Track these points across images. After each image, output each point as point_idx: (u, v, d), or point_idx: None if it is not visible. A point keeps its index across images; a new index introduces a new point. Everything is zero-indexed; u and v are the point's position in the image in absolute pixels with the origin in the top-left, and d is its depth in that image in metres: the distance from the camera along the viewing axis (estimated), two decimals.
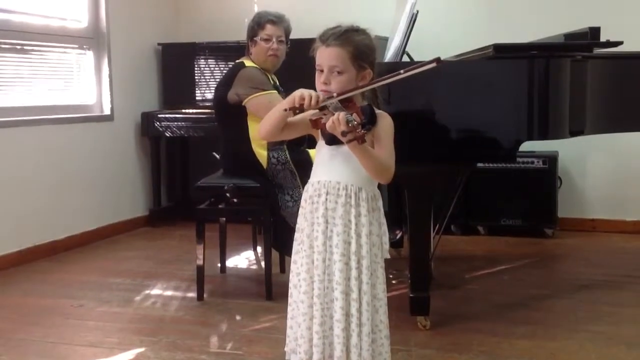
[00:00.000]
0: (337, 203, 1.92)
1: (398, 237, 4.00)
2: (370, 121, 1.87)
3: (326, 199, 1.93)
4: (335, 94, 1.86)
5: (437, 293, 3.12)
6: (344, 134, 1.75)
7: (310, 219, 1.95)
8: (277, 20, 3.37)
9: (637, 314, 3.07)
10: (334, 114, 1.78)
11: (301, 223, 1.99)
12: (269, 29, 3.34)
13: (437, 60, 1.83)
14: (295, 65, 3.22)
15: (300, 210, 2.01)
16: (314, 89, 1.94)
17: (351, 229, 1.92)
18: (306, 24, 3.51)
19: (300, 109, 1.86)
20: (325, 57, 1.91)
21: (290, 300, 2.03)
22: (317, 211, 1.94)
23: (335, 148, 1.92)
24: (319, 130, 1.93)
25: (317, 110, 1.89)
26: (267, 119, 1.98)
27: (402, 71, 1.86)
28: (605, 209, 4.70)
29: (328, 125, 1.79)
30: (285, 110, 1.89)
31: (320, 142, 1.98)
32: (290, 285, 2.03)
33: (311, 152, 3.32)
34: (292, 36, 3.50)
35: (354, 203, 1.92)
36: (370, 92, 1.97)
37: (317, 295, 1.93)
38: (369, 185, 1.95)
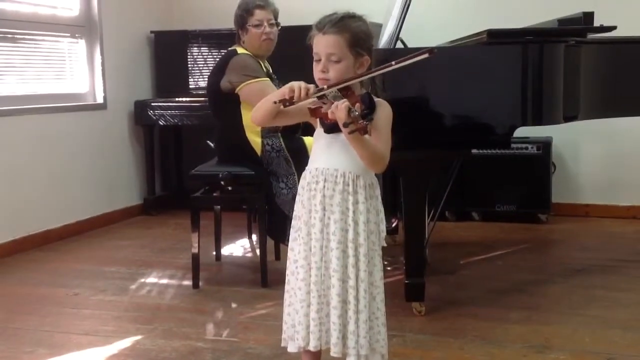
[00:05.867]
0: (335, 190, 1.91)
1: (394, 225, 4.01)
2: (370, 111, 1.85)
3: (324, 186, 1.92)
4: (326, 86, 1.85)
5: (432, 279, 3.14)
6: (345, 125, 1.72)
7: (308, 206, 1.95)
8: (265, 3, 3.35)
9: (630, 297, 3.09)
10: (333, 103, 1.78)
11: (299, 210, 1.99)
12: (259, 14, 3.32)
13: (430, 50, 1.82)
14: (290, 53, 3.21)
15: (298, 198, 2.00)
16: (310, 77, 1.93)
17: (349, 217, 1.91)
18: (300, 11, 3.50)
19: (290, 101, 1.86)
20: (322, 45, 1.90)
21: (287, 287, 2.03)
22: (314, 198, 1.94)
23: (333, 136, 1.90)
24: (318, 119, 1.92)
25: (316, 99, 1.88)
26: (258, 107, 1.97)
27: (393, 62, 1.83)
28: (599, 194, 4.72)
29: (331, 110, 1.78)
30: (275, 102, 1.89)
31: (319, 130, 1.97)
32: (287, 272, 2.03)
33: (306, 139, 3.31)
34: (286, 24, 3.49)
35: (352, 190, 1.91)
36: (369, 80, 1.96)
37: (314, 282, 1.93)
38: (367, 173, 1.94)
